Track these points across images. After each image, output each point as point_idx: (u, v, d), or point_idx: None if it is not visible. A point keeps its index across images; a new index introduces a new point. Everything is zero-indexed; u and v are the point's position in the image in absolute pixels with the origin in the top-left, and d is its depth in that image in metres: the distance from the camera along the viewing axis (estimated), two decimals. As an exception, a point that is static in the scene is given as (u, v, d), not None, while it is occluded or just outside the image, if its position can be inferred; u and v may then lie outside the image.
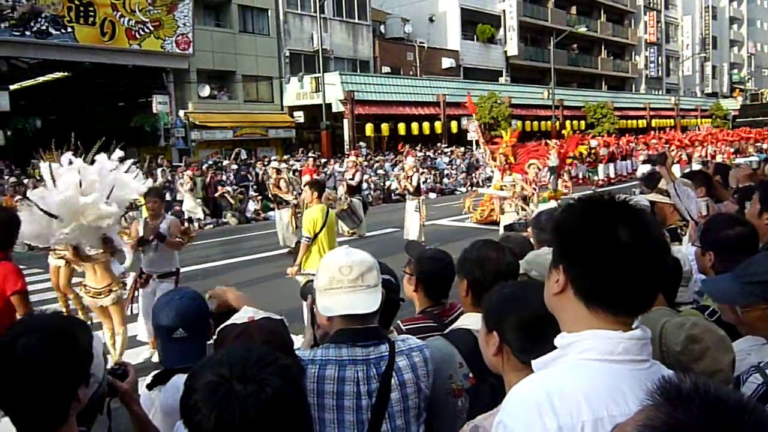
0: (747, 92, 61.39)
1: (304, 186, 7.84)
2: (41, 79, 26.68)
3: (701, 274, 2.97)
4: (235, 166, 22.18)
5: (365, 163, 24.27)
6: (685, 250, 3.33)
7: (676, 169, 23.19)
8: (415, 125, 30.76)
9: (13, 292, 3.79)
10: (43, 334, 1.49)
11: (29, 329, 1.51)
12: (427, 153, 28.87)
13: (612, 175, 25.83)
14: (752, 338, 2.15)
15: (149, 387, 2.22)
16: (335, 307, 1.95)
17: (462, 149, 30.91)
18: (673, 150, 25.94)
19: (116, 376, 1.88)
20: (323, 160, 23.94)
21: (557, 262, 1.29)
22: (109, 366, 1.88)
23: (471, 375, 2.13)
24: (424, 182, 21.96)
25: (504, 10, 41.34)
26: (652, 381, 1.16)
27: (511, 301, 1.63)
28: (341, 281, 1.94)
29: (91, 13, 22.47)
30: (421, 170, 17.12)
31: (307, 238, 6.96)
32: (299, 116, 29.95)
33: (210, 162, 22.81)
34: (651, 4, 57.58)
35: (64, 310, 7.70)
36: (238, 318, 1.87)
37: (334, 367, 1.92)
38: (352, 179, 15.08)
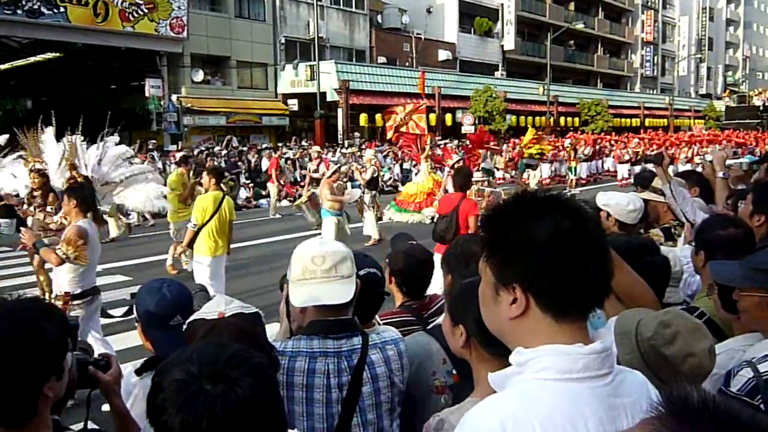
0: (734, 94, 61.55)
1: (205, 174, 7.83)
2: (32, 59, 26.39)
3: (697, 275, 2.94)
4: (225, 152, 22.04)
5: (357, 153, 24.19)
6: (679, 251, 3.30)
7: (625, 169, 23.19)
8: (409, 117, 30.67)
9: None
10: (9, 323, 1.43)
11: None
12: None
13: (587, 175, 25.55)
14: (745, 337, 2.12)
15: (138, 372, 2.15)
16: (308, 298, 1.91)
17: (456, 142, 30.86)
18: (654, 150, 26.03)
19: (98, 368, 1.81)
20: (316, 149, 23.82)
21: (507, 282, 1.14)
22: (91, 357, 1.83)
23: (455, 372, 2.09)
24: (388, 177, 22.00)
25: (502, 4, 41.24)
26: (616, 395, 1.12)
27: (474, 295, 1.59)
28: (314, 272, 1.90)
29: (85, -7, 22.22)
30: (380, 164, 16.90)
31: (193, 224, 7.00)
32: (293, 104, 29.80)
33: (202, 148, 22.66)
34: (649, 3, 57.58)
35: (47, 291, 7.59)
36: (208, 310, 1.79)
37: (305, 359, 1.88)
38: (316, 171, 14.84)
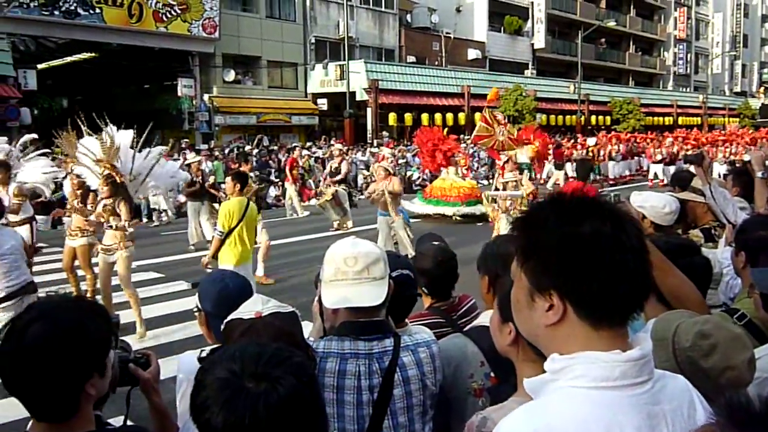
0: None
1: (227, 179, 7.40)
2: (69, 59, 26.96)
3: (737, 277, 2.89)
4: (255, 151, 22.24)
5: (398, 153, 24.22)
6: (720, 253, 3.24)
7: (659, 168, 22.61)
8: (438, 116, 30.59)
9: None
10: (54, 322, 1.46)
11: (41, 316, 1.48)
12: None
13: (620, 174, 25.23)
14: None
15: (202, 360, 2.18)
16: (340, 300, 1.92)
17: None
18: (688, 149, 25.40)
19: (138, 365, 1.85)
20: (346, 148, 23.90)
21: (544, 288, 1.12)
22: (132, 354, 1.86)
23: (492, 374, 2.07)
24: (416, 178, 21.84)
25: (532, 2, 40.88)
26: (655, 402, 1.09)
27: None
28: (346, 273, 1.90)
29: (119, -5, 22.61)
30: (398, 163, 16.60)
31: (219, 231, 6.71)
32: (323, 104, 29.92)
33: (233, 146, 22.90)
34: (682, 0, 56.59)
35: (74, 291, 7.74)
36: (245, 310, 1.81)
37: (335, 360, 1.89)
38: (338, 169, 14.59)
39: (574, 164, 10.79)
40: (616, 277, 1.09)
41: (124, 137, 7.29)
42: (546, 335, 1.15)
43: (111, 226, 6.76)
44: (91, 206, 7.60)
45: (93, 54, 25.88)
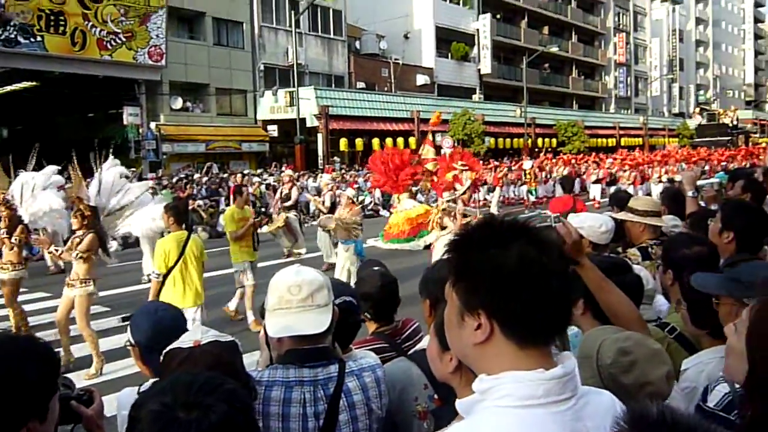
0: (705, 112, 62.88)
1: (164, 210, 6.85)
2: (8, 88, 26.21)
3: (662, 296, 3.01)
4: (205, 179, 21.98)
5: (338, 179, 24.25)
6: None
7: (637, 190, 22.94)
8: (389, 140, 30.85)
9: None
10: None
11: None
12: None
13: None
14: (714, 350, 2.18)
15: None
16: (284, 328, 1.91)
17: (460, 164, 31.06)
18: (626, 170, 26.00)
19: (81, 402, 1.79)
20: (297, 174, 23.84)
21: (473, 308, 1.15)
22: (74, 391, 1.80)
23: (436, 396, 2.10)
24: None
25: (478, 29, 41.86)
26: (578, 419, 1.13)
27: None
28: (290, 301, 1.90)
29: (62, 23, 22.22)
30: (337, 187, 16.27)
31: (156, 274, 6.12)
32: (273, 130, 29.86)
33: (181, 175, 22.59)
34: (620, 27, 58.81)
35: (13, 327, 7.45)
36: (184, 340, 1.79)
37: (280, 388, 1.88)
38: (289, 196, 14.16)
39: (560, 181, 11.27)
40: (540, 299, 1.13)
41: (108, 174, 7.18)
42: (474, 354, 1.19)
43: (80, 258, 6.55)
44: (17, 238, 7.38)
45: (34, 83, 25.27)
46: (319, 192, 15.94)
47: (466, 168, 13.71)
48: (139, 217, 7.42)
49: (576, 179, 26.64)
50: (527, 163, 26.17)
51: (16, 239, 7.39)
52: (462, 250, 1.21)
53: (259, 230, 17.53)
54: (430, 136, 13.18)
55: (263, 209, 18.98)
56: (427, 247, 11.17)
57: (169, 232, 6.52)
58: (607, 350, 1.67)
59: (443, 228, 9.48)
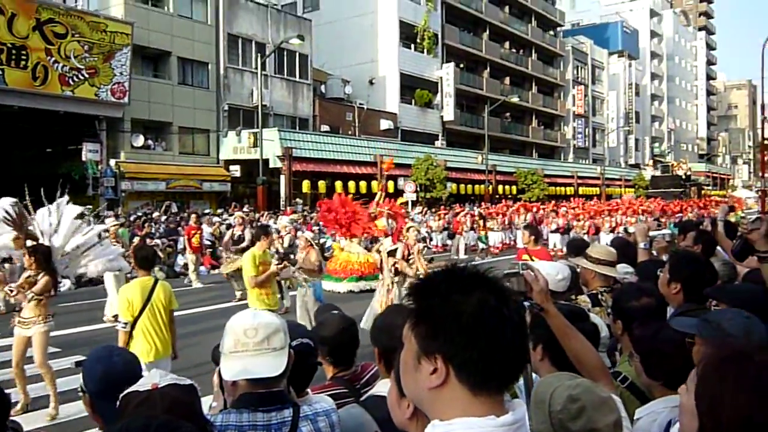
0: (659, 164, 64.93)
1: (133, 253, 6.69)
2: (-35, 120, 25.69)
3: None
4: (164, 218, 21.68)
5: (300, 220, 24.17)
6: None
7: (558, 238, 22.85)
8: (352, 184, 31.02)
9: None
10: None
11: None
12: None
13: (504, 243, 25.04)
14: (665, 399, 2.23)
15: None
16: (240, 371, 1.90)
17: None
18: (580, 220, 26.09)
19: None
20: (257, 215, 23.69)
21: (430, 352, 1.17)
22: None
23: None
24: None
25: (441, 78, 42.78)
26: None
27: None
28: (246, 344, 1.90)
29: (24, 57, 21.96)
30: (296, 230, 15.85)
31: (123, 324, 5.70)
32: (235, 170, 29.75)
33: (139, 213, 22.25)
34: (579, 79, 60.83)
35: None
36: (142, 384, 1.77)
37: None
38: (241, 238, 13.80)
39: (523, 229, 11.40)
40: (495, 347, 1.15)
41: (68, 211, 7.06)
42: (429, 398, 1.20)
43: (30, 299, 6.39)
44: None
45: (-8, 116, 24.82)
46: (278, 233, 15.70)
47: (391, 215, 13.77)
48: (95, 258, 7.23)
49: (540, 227, 26.95)
50: (476, 209, 26.46)
51: None
52: (424, 295, 1.22)
53: (218, 270, 17.28)
54: (383, 181, 13.36)
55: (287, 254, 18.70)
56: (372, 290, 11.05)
57: (133, 277, 6.23)
58: (558, 397, 1.71)
59: (398, 273, 9.50)
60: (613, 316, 2.98)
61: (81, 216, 7.17)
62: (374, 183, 32.63)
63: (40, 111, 23.18)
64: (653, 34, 78.95)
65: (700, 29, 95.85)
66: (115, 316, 10.79)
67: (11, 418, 1.69)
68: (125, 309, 5.69)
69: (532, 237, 7.73)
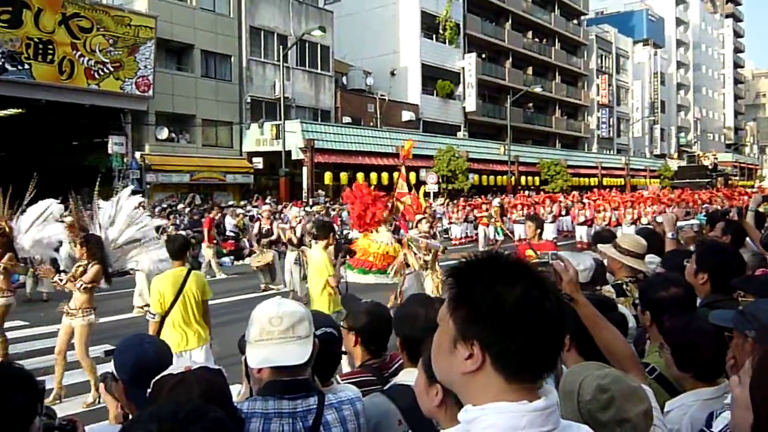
0: (684, 155, 63.93)
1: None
2: (-6, 114, 26.18)
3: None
4: (188, 209, 21.89)
5: (323, 212, 24.25)
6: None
7: (584, 231, 21.99)
8: (374, 175, 31.03)
9: None
10: None
11: None
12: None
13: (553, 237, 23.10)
14: (696, 392, 2.21)
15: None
16: (265, 359, 1.93)
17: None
18: (602, 211, 24.47)
19: None
20: (280, 206, 23.82)
21: (468, 338, 1.18)
22: (57, 421, 1.79)
23: None
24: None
25: (463, 68, 42.51)
26: None
27: None
28: (271, 332, 1.92)
29: (50, 52, 22.27)
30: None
31: (152, 315, 5.59)
32: (258, 162, 29.92)
33: (164, 205, 22.49)
34: (603, 69, 60.07)
35: None
36: (174, 368, 1.80)
37: (259, 420, 1.89)
38: (270, 232, 13.77)
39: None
40: (535, 340, 1.16)
41: (127, 204, 7.18)
42: (461, 382, 1.21)
43: (84, 289, 6.55)
44: (4, 265, 7.33)
45: (20, 110, 25.22)
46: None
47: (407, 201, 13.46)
48: (146, 255, 7.26)
49: (566, 218, 26.14)
50: (495, 200, 26.02)
51: (1, 266, 7.31)
52: (466, 280, 1.23)
53: (242, 261, 17.38)
54: (402, 170, 13.20)
55: (246, 241, 18.88)
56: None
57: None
58: (587, 387, 1.70)
59: (408, 265, 9.43)
60: (641, 306, 2.95)
61: (139, 206, 7.22)
62: (395, 174, 32.59)
63: (67, 104, 23.51)
64: (679, 21, 77.62)
65: (727, 16, 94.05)
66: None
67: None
68: (156, 301, 5.58)
69: (538, 230, 7.34)
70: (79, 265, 6.68)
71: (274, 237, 13.47)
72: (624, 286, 3.93)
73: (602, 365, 1.90)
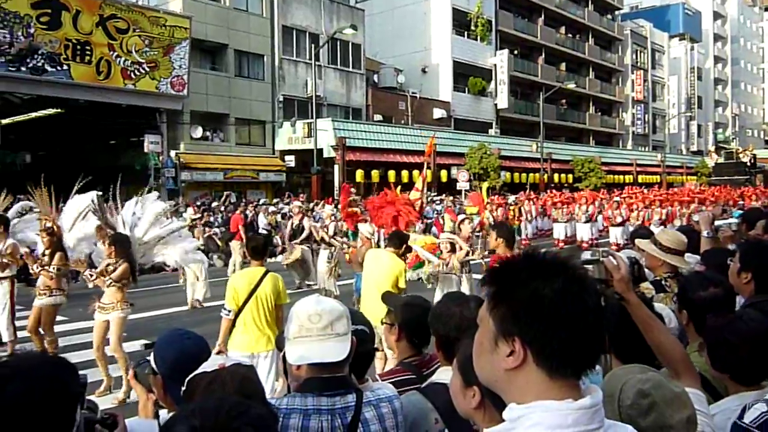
0: (721, 151, 62.35)
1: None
2: (34, 114, 26.75)
3: None
4: (223, 209, 22.14)
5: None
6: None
7: (619, 232, 20.00)
8: (405, 173, 31.01)
9: None
10: (34, 380, 1.42)
11: (18, 373, 1.43)
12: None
13: (589, 237, 21.38)
14: (741, 396, 2.16)
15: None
16: (303, 356, 1.94)
17: (451, 198, 31.10)
18: (634, 210, 22.11)
19: (105, 426, 1.80)
20: (311, 204, 23.95)
21: (508, 334, 1.18)
22: (98, 414, 1.81)
23: (447, 431, 2.10)
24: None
25: (495, 65, 42.23)
26: None
27: None
28: (310, 329, 1.93)
29: (88, 52, 22.74)
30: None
31: (226, 311, 5.43)
32: (290, 160, 30.14)
33: (198, 203, 22.79)
34: (638, 64, 59.07)
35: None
36: (207, 366, 1.81)
37: (298, 416, 1.90)
38: (300, 227, 13.70)
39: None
40: (576, 334, 1.16)
41: (152, 205, 7.38)
42: (504, 379, 1.21)
43: (113, 286, 6.71)
44: (57, 266, 7.47)
45: (59, 110, 25.77)
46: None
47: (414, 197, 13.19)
48: (173, 249, 7.44)
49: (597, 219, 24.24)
50: (511, 198, 25.37)
51: (54, 267, 7.46)
52: (504, 278, 1.23)
53: (274, 259, 17.50)
54: (425, 170, 13.14)
55: (278, 239, 19.01)
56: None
57: (246, 264, 6.21)
58: (628, 391, 1.67)
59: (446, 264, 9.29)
60: (678, 305, 2.89)
61: (164, 212, 7.40)
62: (427, 172, 32.50)
63: (104, 104, 23.99)
64: (717, 15, 75.88)
65: (766, 9, 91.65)
66: (197, 300, 11.26)
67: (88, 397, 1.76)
68: (231, 297, 5.44)
69: (502, 240, 6.05)
70: (108, 263, 6.80)
71: (305, 234, 13.49)
72: (663, 282, 3.86)
73: (646, 368, 1.86)
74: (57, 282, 7.60)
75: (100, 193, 7.47)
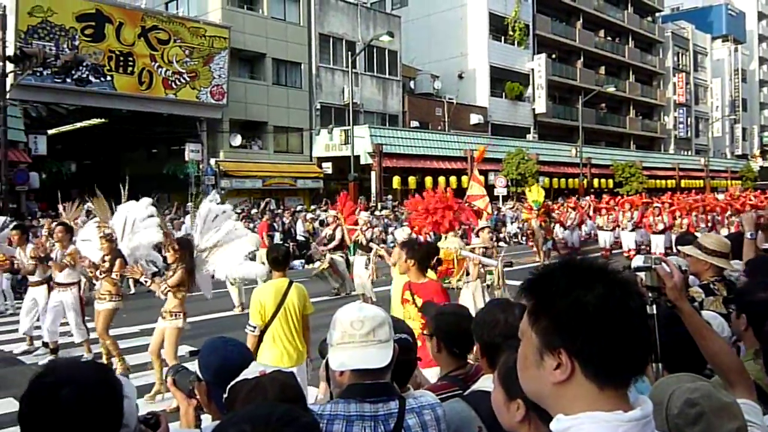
0: (767, 154, 60.54)
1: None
2: (79, 125, 27.54)
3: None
4: (265, 217, 22.31)
5: (392, 215, 24.36)
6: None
7: (660, 240, 17.98)
8: (442, 179, 30.93)
9: None
10: (85, 386, 1.49)
11: (70, 380, 1.49)
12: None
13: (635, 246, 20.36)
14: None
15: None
16: (346, 362, 1.95)
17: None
18: (677, 218, 20.49)
19: (148, 426, 1.85)
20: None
21: (554, 347, 1.15)
22: (140, 414, 1.87)
23: None
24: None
25: (533, 69, 41.88)
26: None
27: None
28: (353, 336, 1.94)
29: (131, 63, 23.30)
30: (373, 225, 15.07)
31: (252, 327, 5.19)
32: (327, 167, 30.35)
33: (237, 210, 23.07)
34: (680, 66, 57.90)
35: (105, 357, 7.72)
36: (248, 373, 1.84)
37: (342, 422, 1.91)
38: (333, 236, 13.52)
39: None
40: (623, 340, 1.13)
41: (210, 210, 7.19)
42: (552, 394, 1.18)
43: (169, 292, 6.63)
44: (115, 274, 7.58)
45: (103, 120, 26.47)
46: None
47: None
48: (223, 258, 6.93)
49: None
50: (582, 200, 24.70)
51: (116, 275, 7.58)
52: (543, 290, 1.20)
53: (312, 265, 17.53)
54: (476, 173, 12.96)
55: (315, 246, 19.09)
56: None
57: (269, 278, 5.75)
58: (676, 400, 1.63)
59: (468, 273, 9.17)
60: (737, 309, 2.80)
61: (222, 212, 7.11)
62: (464, 178, 32.37)
63: (146, 114, 24.56)
64: (761, 15, 73.88)
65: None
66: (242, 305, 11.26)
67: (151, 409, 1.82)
68: (257, 312, 5.21)
69: (412, 261, 4.96)
70: (170, 270, 6.73)
71: (336, 242, 13.27)
72: (711, 286, 3.78)
73: (696, 377, 1.81)
74: (117, 288, 7.76)
75: (154, 199, 7.54)
